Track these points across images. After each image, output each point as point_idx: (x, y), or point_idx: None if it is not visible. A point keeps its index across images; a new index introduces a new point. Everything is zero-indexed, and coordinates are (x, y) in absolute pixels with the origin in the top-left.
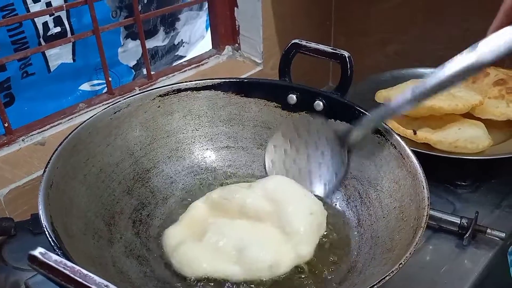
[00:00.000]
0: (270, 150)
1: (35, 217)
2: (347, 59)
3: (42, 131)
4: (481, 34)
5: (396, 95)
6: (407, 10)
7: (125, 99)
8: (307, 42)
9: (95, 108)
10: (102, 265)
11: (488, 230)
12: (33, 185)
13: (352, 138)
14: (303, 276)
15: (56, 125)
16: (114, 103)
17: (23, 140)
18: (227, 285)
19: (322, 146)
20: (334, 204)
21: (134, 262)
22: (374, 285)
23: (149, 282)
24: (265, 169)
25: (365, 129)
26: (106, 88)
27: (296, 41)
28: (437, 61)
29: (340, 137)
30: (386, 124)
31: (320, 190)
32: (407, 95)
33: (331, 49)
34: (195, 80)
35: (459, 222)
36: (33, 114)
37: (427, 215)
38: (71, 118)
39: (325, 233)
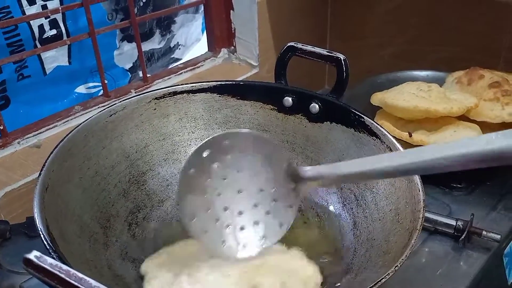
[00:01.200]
0: (187, 180)
1: (31, 220)
2: (342, 61)
3: (37, 134)
4: (474, 36)
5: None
6: (402, 14)
7: (121, 101)
8: (303, 45)
9: (91, 111)
10: (97, 268)
11: (484, 233)
12: (28, 188)
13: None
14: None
15: (52, 128)
16: (110, 106)
17: (18, 143)
18: None
19: (263, 180)
20: (329, 207)
21: (130, 265)
22: (370, 287)
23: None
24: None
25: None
26: (102, 91)
27: (292, 43)
28: (432, 64)
29: (290, 173)
30: (381, 127)
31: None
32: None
33: (327, 51)
34: (191, 83)
35: (454, 224)
36: (28, 116)
37: (422, 217)
38: (67, 121)
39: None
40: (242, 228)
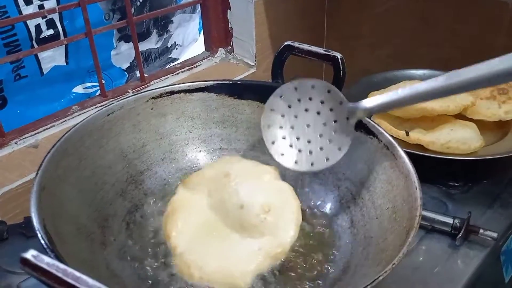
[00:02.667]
0: (268, 115)
1: (28, 220)
2: (339, 60)
3: (35, 134)
4: (469, 36)
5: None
6: (398, 14)
7: (118, 101)
8: (299, 44)
9: (88, 111)
10: (95, 268)
11: (481, 231)
12: (25, 188)
13: (359, 111)
14: (295, 277)
15: (49, 128)
16: (107, 106)
17: (15, 143)
18: None
19: (325, 117)
20: (326, 205)
21: (128, 264)
22: (367, 286)
23: (142, 284)
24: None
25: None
26: (99, 91)
27: (289, 42)
28: (428, 63)
29: (346, 109)
30: (378, 126)
31: (321, 164)
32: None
33: (324, 50)
34: (188, 82)
35: (451, 222)
36: (26, 117)
37: (419, 216)
38: (64, 121)
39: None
40: (310, 152)
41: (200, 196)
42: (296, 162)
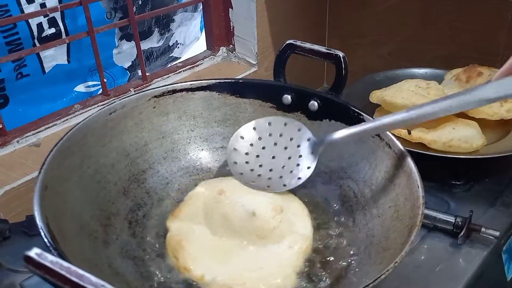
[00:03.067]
0: (237, 140)
1: (30, 219)
2: (341, 59)
3: (37, 133)
4: (470, 34)
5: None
6: (399, 12)
7: (120, 100)
8: (301, 43)
9: (90, 110)
10: (98, 266)
11: (483, 229)
12: (28, 187)
13: (324, 145)
14: (298, 276)
15: (51, 127)
16: (109, 104)
17: (18, 142)
18: None
19: (292, 151)
20: (328, 204)
21: (130, 263)
22: (369, 284)
23: (145, 283)
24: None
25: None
26: (101, 90)
27: (291, 41)
28: (429, 62)
29: (312, 145)
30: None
31: (277, 188)
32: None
33: (326, 49)
34: (190, 81)
35: (453, 221)
36: (27, 115)
37: (422, 214)
38: (66, 120)
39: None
40: (269, 178)
41: (198, 222)
42: (253, 182)
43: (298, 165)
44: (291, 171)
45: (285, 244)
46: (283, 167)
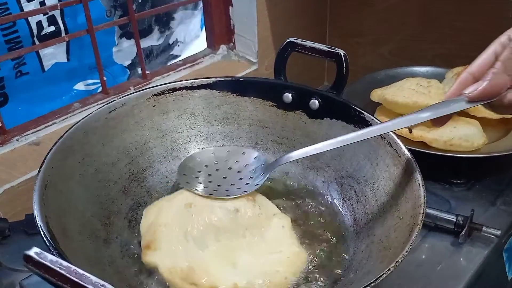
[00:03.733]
0: (193, 159)
1: (30, 218)
2: (342, 57)
3: (36, 131)
4: (471, 33)
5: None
6: (400, 11)
7: (120, 98)
8: (302, 41)
9: (90, 108)
10: (98, 265)
11: (484, 228)
12: (27, 186)
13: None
14: (299, 275)
15: (51, 125)
16: (109, 103)
17: (17, 140)
18: None
19: (244, 174)
20: (330, 203)
21: (131, 262)
22: (371, 283)
23: (145, 282)
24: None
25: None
26: (100, 88)
27: (292, 39)
28: (430, 61)
29: (264, 168)
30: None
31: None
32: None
33: (327, 47)
34: (191, 79)
35: (455, 220)
36: (27, 114)
37: (423, 213)
38: (66, 118)
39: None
40: (215, 190)
41: (181, 245)
42: (196, 189)
43: (247, 184)
44: (239, 188)
45: (276, 225)
46: (231, 184)
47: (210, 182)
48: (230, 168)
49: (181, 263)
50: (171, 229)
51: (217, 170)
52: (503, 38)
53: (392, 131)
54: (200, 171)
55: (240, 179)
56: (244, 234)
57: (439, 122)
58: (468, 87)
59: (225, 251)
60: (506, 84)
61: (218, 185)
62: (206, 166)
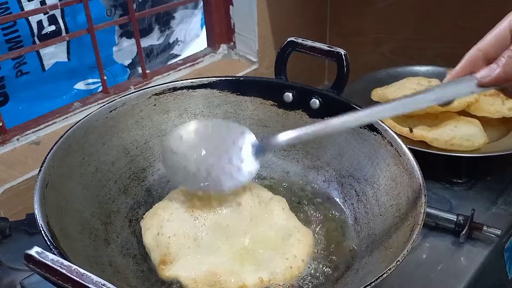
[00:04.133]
0: (177, 141)
1: (30, 217)
2: (343, 56)
3: (37, 131)
4: (472, 31)
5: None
6: (401, 10)
7: (120, 97)
8: (303, 40)
9: (90, 107)
10: (98, 264)
11: (484, 228)
12: (28, 185)
13: (267, 149)
14: (300, 275)
15: (51, 125)
16: (110, 102)
17: (18, 140)
18: None
19: (234, 154)
20: (330, 202)
21: (131, 261)
22: (372, 283)
23: (145, 281)
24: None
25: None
26: (101, 87)
27: (292, 39)
28: (431, 60)
29: (255, 149)
30: (382, 122)
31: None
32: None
33: (327, 46)
34: (191, 79)
35: (455, 219)
36: (27, 113)
37: (424, 213)
38: (66, 118)
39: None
40: (205, 181)
41: (195, 252)
42: (186, 183)
43: (239, 170)
44: (231, 176)
45: (276, 209)
46: (222, 170)
47: (198, 169)
48: (216, 148)
49: (203, 271)
50: (180, 238)
51: (203, 152)
52: None
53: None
54: (185, 155)
55: (230, 161)
56: (251, 226)
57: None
58: (480, 71)
59: (240, 248)
60: None
61: (208, 173)
62: (190, 146)
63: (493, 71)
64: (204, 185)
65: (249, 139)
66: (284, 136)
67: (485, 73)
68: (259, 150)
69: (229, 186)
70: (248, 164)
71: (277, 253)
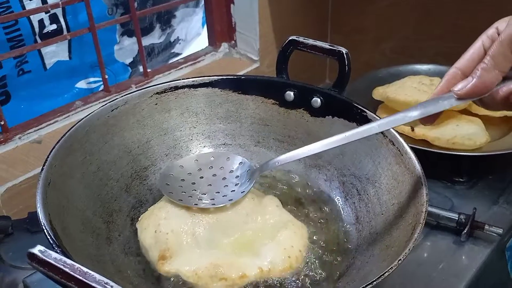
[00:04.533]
0: (176, 167)
1: (32, 216)
2: (344, 55)
3: (38, 129)
4: (473, 30)
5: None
6: (402, 8)
7: (122, 96)
8: (304, 39)
9: (92, 106)
10: (100, 263)
11: (486, 226)
12: (29, 184)
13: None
14: (298, 267)
15: (53, 123)
16: (111, 101)
17: (19, 138)
18: None
19: (229, 180)
20: (331, 201)
21: (133, 260)
22: (374, 281)
23: (147, 280)
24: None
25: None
26: (102, 86)
27: (294, 37)
28: (431, 59)
29: (250, 174)
30: None
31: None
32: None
33: (329, 45)
34: (193, 77)
35: (457, 218)
36: (29, 112)
37: (425, 212)
38: (68, 116)
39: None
40: (199, 199)
41: (195, 247)
42: (180, 200)
43: (232, 191)
44: (224, 195)
45: (270, 205)
46: (217, 192)
47: (194, 190)
48: (214, 175)
49: (203, 263)
50: (179, 234)
51: (201, 177)
52: (490, 31)
53: (376, 133)
54: (183, 180)
55: (226, 186)
56: (247, 221)
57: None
58: (457, 84)
59: (237, 241)
60: (497, 79)
61: (203, 194)
62: (189, 174)
63: (468, 82)
64: (197, 202)
65: (245, 167)
66: (281, 159)
67: (461, 86)
68: (254, 173)
69: (221, 203)
70: (242, 186)
71: (275, 245)
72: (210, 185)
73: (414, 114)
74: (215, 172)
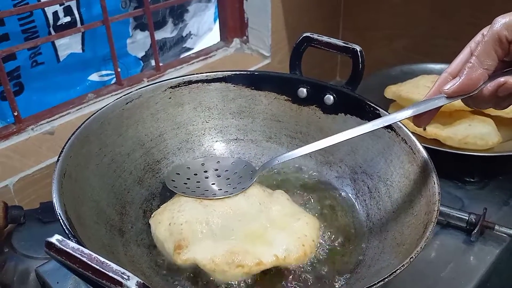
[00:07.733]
0: (182, 168)
1: (44, 206)
2: (359, 53)
3: (51, 121)
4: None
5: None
6: (416, 6)
7: (136, 90)
8: (318, 36)
9: (104, 99)
10: (114, 253)
11: (496, 227)
12: (42, 174)
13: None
14: (311, 270)
15: (65, 115)
16: (126, 94)
17: (32, 129)
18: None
19: (232, 180)
20: (343, 198)
21: (145, 251)
22: (386, 278)
23: (159, 271)
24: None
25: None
26: (114, 79)
27: (308, 34)
28: (445, 56)
29: (252, 174)
30: None
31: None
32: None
33: (343, 43)
34: (206, 72)
35: (467, 218)
36: (42, 103)
37: (438, 210)
38: (80, 108)
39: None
40: (202, 194)
41: (210, 237)
42: (184, 192)
43: (234, 188)
44: (226, 191)
45: (282, 198)
46: (220, 189)
47: (198, 187)
48: (219, 176)
49: (219, 251)
50: (193, 224)
51: (206, 178)
52: (477, 37)
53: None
54: (189, 178)
55: (228, 185)
56: (260, 210)
57: (421, 121)
58: (446, 84)
59: (251, 230)
60: (483, 76)
61: (206, 190)
62: (195, 174)
63: (456, 81)
64: (199, 196)
65: (249, 168)
66: (281, 158)
67: (450, 85)
68: (255, 173)
69: (222, 195)
70: (243, 184)
71: (289, 234)
72: (214, 184)
73: (407, 113)
74: (220, 173)
